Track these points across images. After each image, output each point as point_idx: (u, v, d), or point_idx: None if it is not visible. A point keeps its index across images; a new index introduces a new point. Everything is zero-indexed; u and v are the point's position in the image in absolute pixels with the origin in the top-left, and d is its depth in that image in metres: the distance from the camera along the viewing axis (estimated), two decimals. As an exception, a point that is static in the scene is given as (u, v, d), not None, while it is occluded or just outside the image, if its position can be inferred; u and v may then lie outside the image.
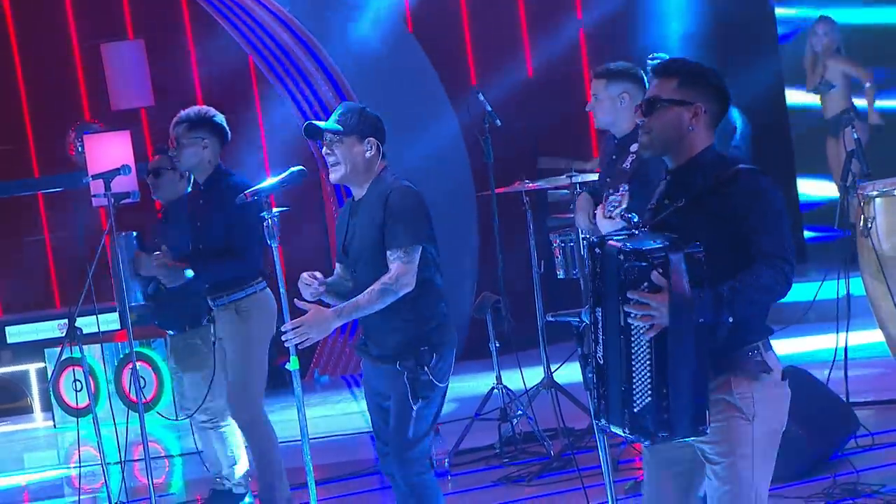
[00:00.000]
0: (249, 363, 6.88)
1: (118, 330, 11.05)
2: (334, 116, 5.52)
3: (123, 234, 7.17)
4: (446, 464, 7.74)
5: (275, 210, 5.54)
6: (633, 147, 6.31)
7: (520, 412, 8.12)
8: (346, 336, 11.76)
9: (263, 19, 11.53)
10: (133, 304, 7.33)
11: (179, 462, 9.25)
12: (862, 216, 7.79)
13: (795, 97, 12.53)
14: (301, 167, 5.74)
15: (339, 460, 8.43)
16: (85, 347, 7.00)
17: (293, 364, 5.54)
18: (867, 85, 11.79)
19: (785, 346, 9.43)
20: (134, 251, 7.46)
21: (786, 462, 6.55)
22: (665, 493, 4.35)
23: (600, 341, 4.17)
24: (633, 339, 4.04)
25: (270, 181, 5.73)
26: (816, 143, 12.23)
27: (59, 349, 8.62)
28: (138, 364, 7.72)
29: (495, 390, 8.22)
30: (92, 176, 7.25)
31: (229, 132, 7.05)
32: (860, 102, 11.93)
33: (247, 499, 7.40)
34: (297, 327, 5.35)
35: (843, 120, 11.17)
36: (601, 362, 4.17)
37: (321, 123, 5.53)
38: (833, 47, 11.97)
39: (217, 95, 11.75)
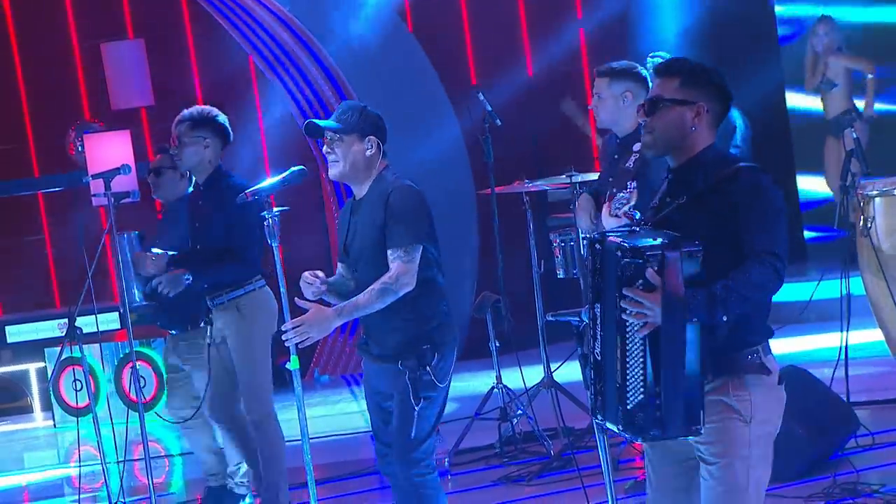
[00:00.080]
0: (255, 361, 6.89)
1: (118, 329, 11.05)
2: (335, 115, 5.53)
3: (126, 234, 7.16)
4: (446, 463, 7.74)
5: (275, 209, 5.54)
6: (636, 146, 6.30)
7: (520, 412, 8.12)
8: (346, 335, 11.76)
9: (263, 18, 11.53)
10: (134, 304, 7.32)
11: (179, 462, 9.24)
12: (861, 216, 7.79)
13: (796, 100, 12.53)
14: (301, 167, 5.74)
15: (338, 460, 8.43)
16: (85, 347, 7.00)
17: (293, 363, 5.54)
18: (869, 76, 11.77)
19: (785, 346, 9.44)
20: (135, 251, 7.45)
21: (786, 461, 6.58)
22: (669, 490, 4.36)
23: (598, 337, 4.19)
24: (627, 335, 4.06)
25: (271, 181, 5.73)
26: (817, 140, 12.23)
27: (59, 349, 8.62)
28: (138, 364, 7.72)
29: (495, 390, 8.22)
30: (92, 175, 7.25)
31: (231, 133, 7.04)
32: (860, 104, 11.92)
33: (247, 499, 7.40)
34: (298, 326, 5.35)
35: (844, 120, 11.16)
36: (598, 358, 4.19)
37: (322, 121, 5.54)
38: (834, 47, 11.97)
39: (217, 95, 11.75)
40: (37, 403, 11.76)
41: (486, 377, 8.66)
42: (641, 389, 4.03)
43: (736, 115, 9.76)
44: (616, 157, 6.51)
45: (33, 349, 11.49)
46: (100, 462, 7.32)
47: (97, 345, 10.21)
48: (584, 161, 9.58)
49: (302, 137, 11.82)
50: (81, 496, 8.22)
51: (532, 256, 8.28)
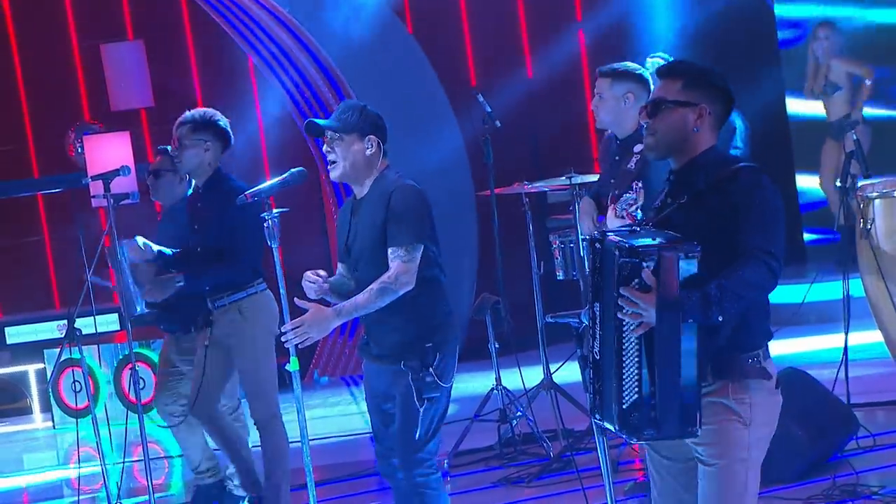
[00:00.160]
0: (259, 362, 6.88)
1: (118, 331, 11.04)
2: (335, 114, 5.53)
3: (124, 242, 7.16)
4: (445, 465, 7.74)
5: (275, 211, 5.54)
6: (637, 148, 6.30)
7: (519, 413, 8.12)
8: (345, 337, 11.76)
9: (262, 18, 11.53)
10: (136, 314, 7.32)
11: (178, 463, 9.24)
12: (861, 218, 7.79)
13: (796, 105, 12.52)
14: (301, 168, 5.74)
15: (338, 461, 8.42)
16: (84, 348, 7.00)
17: (293, 365, 5.54)
18: (867, 82, 11.78)
19: (784, 347, 9.43)
20: (133, 260, 7.42)
21: (786, 463, 6.59)
22: (672, 490, 4.36)
23: (597, 336, 4.20)
24: (623, 335, 4.06)
25: (270, 182, 5.73)
26: (817, 142, 12.22)
27: (58, 350, 8.62)
28: (138, 365, 7.71)
29: (494, 391, 8.22)
30: (91, 177, 7.24)
31: (232, 136, 7.03)
32: (864, 109, 11.90)
33: (245, 502, 7.40)
34: (297, 327, 5.35)
35: (846, 124, 11.17)
36: (597, 357, 4.20)
37: (321, 121, 5.54)
38: (834, 50, 11.96)
39: (217, 96, 11.75)
40: (36, 405, 11.75)
41: (486, 379, 8.66)
42: (636, 389, 4.04)
43: (735, 117, 9.77)
44: (617, 158, 6.50)
45: (33, 350, 11.49)
46: (99, 463, 7.32)
47: (96, 346, 10.19)
48: (583, 162, 9.59)
49: (301, 138, 11.83)
50: (81, 497, 8.21)
51: (531, 258, 8.28)
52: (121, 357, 10.74)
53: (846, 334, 7.67)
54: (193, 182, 7.16)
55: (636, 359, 4.05)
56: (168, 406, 7.47)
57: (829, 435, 6.96)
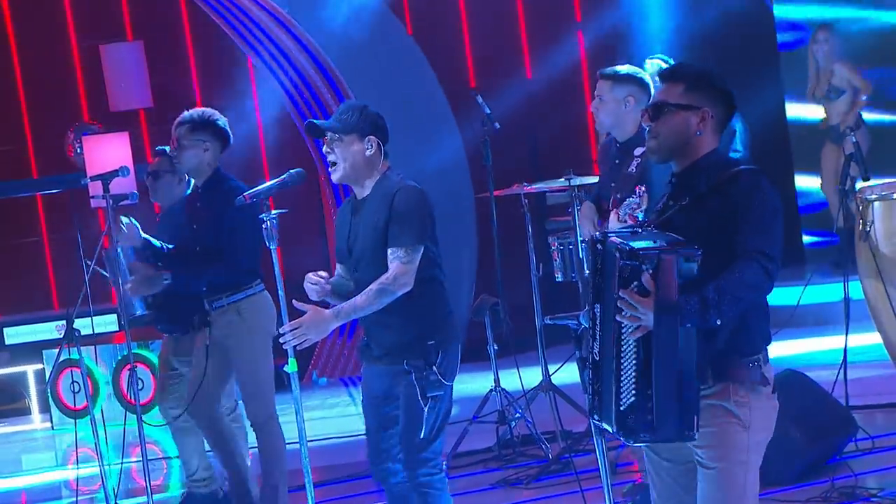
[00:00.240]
0: (257, 364, 6.88)
1: (117, 331, 11.04)
2: (335, 115, 5.53)
3: (122, 219, 7.16)
4: (444, 466, 7.72)
5: (273, 212, 5.53)
6: (638, 151, 6.30)
7: (518, 415, 8.12)
8: (344, 338, 11.75)
9: (261, 20, 11.53)
10: (135, 314, 7.31)
11: (177, 464, 9.23)
12: (860, 220, 7.79)
13: (795, 110, 12.52)
14: (300, 169, 5.74)
15: (336, 462, 8.42)
16: (83, 349, 6.99)
17: (291, 366, 5.54)
18: (863, 98, 11.78)
19: (783, 349, 9.43)
20: (131, 261, 7.41)
21: (784, 465, 6.59)
22: (672, 492, 4.35)
23: (597, 337, 4.20)
24: (622, 337, 4.07)
25: (269, 183, 5.73)
26: (816, 145, 12.22)
27: (57, 350, 8.62)
28: (136, 366, 7.71)
29: (493, 393, 8.22)
30: (90, 177, 7.24)
31: (231, 136, 7.03)
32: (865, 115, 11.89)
33: None
34: (296, 328, 5.35)
35: (846, 127, 11.15)
36: (597, 358, 4.20)
37: (321, 122, 5.53)
38: (835, 53, 11.95)
39: (216, 97, 11.74)
40: (35, 405, 11.75)
41: (485, 380, 8.66)
42: (634, 391, 4.04)
43: (735, 119, 9.77)
44: (617, 161, 6.49)
45: (31, 351, 11.48)
46: (98, 464, 7.31)
47: (96, 346, 10.18)
48: (582, 164, 9.58)
49: (300, 139, 11.83)
50: (79, 498, 8.20)
51: (530, 259, 8.28)
52: (119, 358, 10.74)
53: (846, 336, 7.67)
54: (192, 182, 7.15)
55: (634, 361, 4.05)
56: (171, 409, 7.45)
57: (827, 437, 6.96)
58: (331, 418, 10.09)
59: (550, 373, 8.17)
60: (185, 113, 6.95)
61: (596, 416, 4.24)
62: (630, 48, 11.81)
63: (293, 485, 7.03)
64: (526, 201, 8.27)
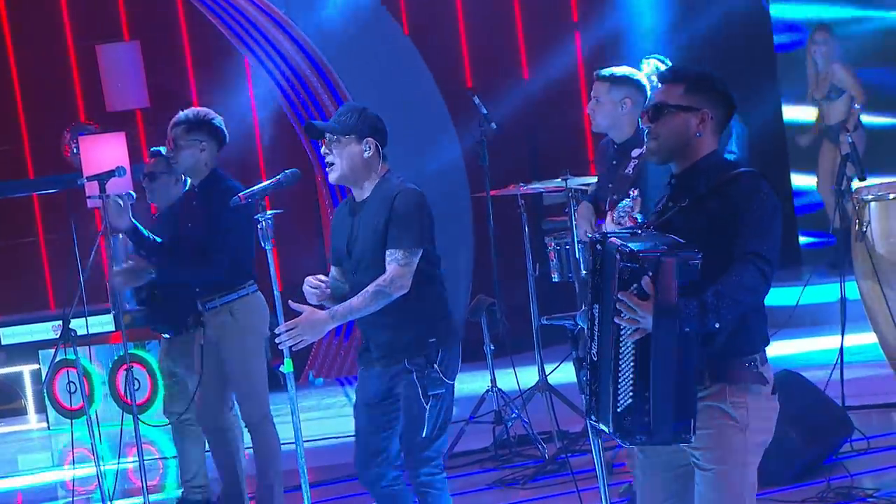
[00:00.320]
0: (250, 364, 6.87)
1: (113, 332, 11.04)
2: (334, 116, 5.54)
3: (119, 236, 7.15)
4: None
5: (268, 212, 5.53)
6: (635, 152, 6.30)
7: (514, 415, 8.12)
8: (340, 338, 11.75)
9: (258, 20, 11.53)
10: (127, 309, 7.31)
11: (173, 464, 9.23)
12: (857, 220, 7.79)
13: (793, 112, 12.51)
14: (294, 169, 5.74)
15: (332, 463, 8.41)
16: (79, 349, 6.99)
17: (287, 366, 5.53)
18: (857, 106, 11.78)
19: (779, 349, 9.43)
20: (128, 254, 7.42)
21: (780, 465, 6.59)
22: (660, 498, 4.35)
23: (595, 338, 4.19)
24: (621, 339, 4.07)
25: (264, 184, 5.73)
26: (814, 147, 12.22)
27: (53, 351, 8.62)
28: (132, 366, 7.70)
29: (490, 393, 8.22)
30: (87, 177, 7.23)
31: (227, 135, 7.02)
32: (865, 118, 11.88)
33: None
34: (291, 329, 5.34)
35: (844, 127, 11.14)
36: (595, 359, 4.20)
37: (320, 123, 5.54)
38: (833, 54, 11.94)
39: (212, 97, 11.74)
40: (31, 405, 11.74)
41: (481, 380, 8.66)
42: (631, 393, 4.04)
43: (732, 121, 9.77)
44: (615, 162, 6.50)
45: (28, 351, 11.48)
46: (94, 464, 7.31)
47: (92, 347, 10.19)
48: (579, 164, 9.59)
49: (297, 139, 11.83)
50: (75, 498, 8.20)
51: (527, 260, 8.28)
52: (116, 358, 10.73)
53: (842, 336, 7.68)
54: (189, 181, 7.14)
55: (632, 363, 4.05)
56: (180, 414, 7.43)
57: (823, 437, 6.96)
58: (327, 419, 10.08)
59: (547, 373, 8.17)
60: (181, 113, 6.94)
61: (593, 417, 4.24)
62: (627, 49, 11.81)
63: (289, 485, 7.03)
64: (522, 201, 8.27)
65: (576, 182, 7.69)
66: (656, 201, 4.42)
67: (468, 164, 11.22)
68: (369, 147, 5.47)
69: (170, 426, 7.60)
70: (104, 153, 10.67)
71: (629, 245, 4.06)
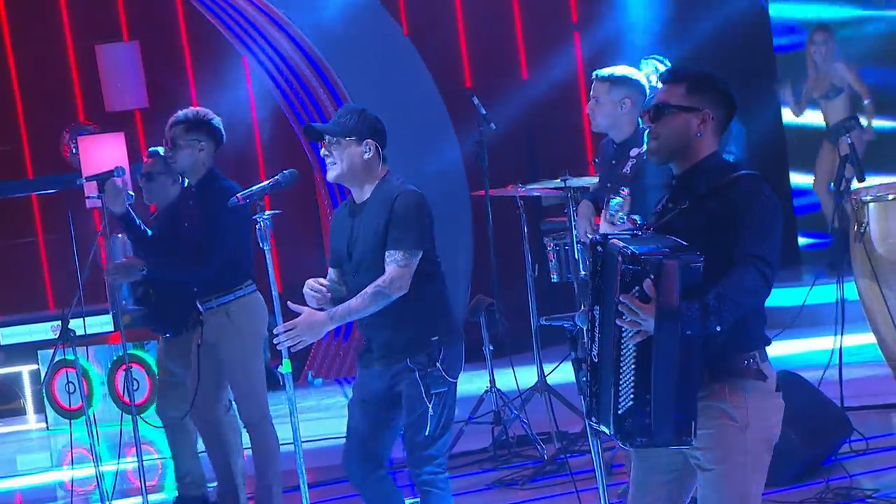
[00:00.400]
0: (247, 365, 6.87)
1: (112, 332, 11.04)
2: (334, 118, 5.54)
3: (116, 236, 7.16)
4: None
5: (266, 213, 5.53)
6: (633, 152, 6.31)
7: (513, 416, 8.12)
8: (339, 339, 11.75)
9: (257, 20, 11.53)
10: (126, 309, 7.32)
11: (172, 465, 9.22)
12: (856, 221, 7.80)
13: (791, 115, 12.51)
14: (293, 170, 5.74)
15: (331, 463, 8.40)
16: (78, 349, 6.99)
17: (285, 367, 5.53)
18: (865, 102, 11.73)
19: (777, 350, 9.42)
20: (126, 255, 7.42)
21: (779, 466, 6.55)
22: (654, 500, 4.35)
23: (596, 339, 4.19)
24: (622, 341, 4.06)
25: (262, 184, 5.73)
26: (813, 147, 12.22)
27: (52, 351, 8.62)
28: (131, 366, 7.70)
29: (488, 393, 8.22)
30: (86, 177, 7.23)
31: (224, 135, 7.02)
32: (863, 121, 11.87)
33: None
34: (290, 330, 5.34)
35: (843, 127, 11.13)
36: (595, 360, 4.19)
37: (320, 125, 5.54)
38: (833, 54, 11.93)
39: (212, 97, 11.74)
40: (30, 405, 11.74)
41: (480, 381, 8.66)
42: (632, 395, 4.04)
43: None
44: (614, 162, 6.52)
45: (26, 351, 11.48)
46: (93, 465, 7.31)
47: (91, 347, 10.19)
48: (578, 165, 9.58)
49: (296, 139, 11.82)
50: (74, 499, 8.19)
51: (526, 260, 8.28)
52: (115, 358, 10.73)
53: (840, 337, 7.68)
54: (186, 181, 7.14)
55: (634, 366, 4.04)
56: (169, 413, 7.44)
57: (822, 438, 6.96)
58: (326, 419, 10.08)
59: (546, 373, 8.17)
60: (180, 113, 6.94)
61: (593, 419, 4.23)
62: (626, 50, 11.81)
63: (288, 485, 7.03)
64: (521, 202, 8.27)
65: (575, 182, 7.70)
66: (656, 202, 4.42)
67: (467, 165, 11.22)
68: (369, 148, 5.47)
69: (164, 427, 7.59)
70: (103, 153, 10.68)
71: (631, 247, 4.05)
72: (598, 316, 4.18)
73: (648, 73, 7.81)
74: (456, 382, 5.50)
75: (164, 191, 7.55)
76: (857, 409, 7.87)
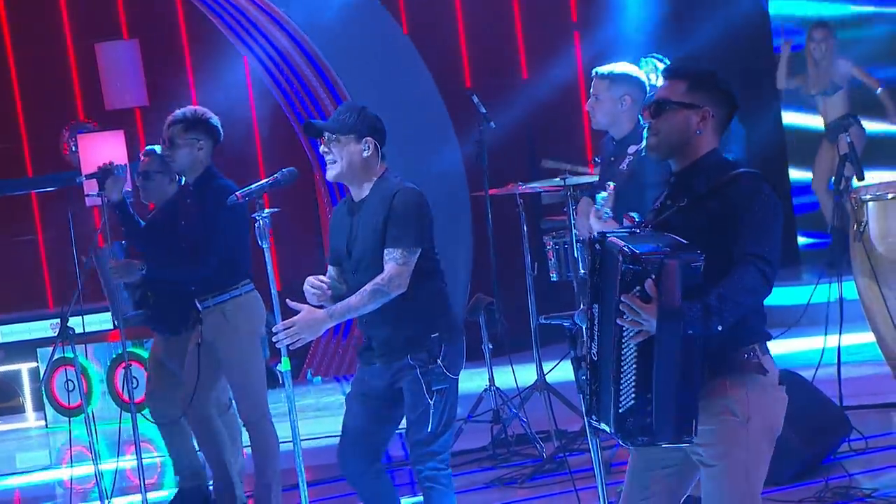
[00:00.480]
0: (245, 364, 6.86)
1: (111, 330, 11.03)
2: (333, 115, 5.55)
3: (120, 243, 7.17)
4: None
5: (265, 211, 5.53)
6: (631, 149, 6.32)
7: (512, 414, 8.12)
8: (339, 337, 11.75)
9: (258, 19, 11.53)
10: (126, 315, 7.31)
11: (171, 462, 9.22)
12: (855, 220, 7.80)
13: (791, 117, 12.51)
14: (292, 168, 5.74)
15: (330, 462, 8.40)
16: (77, 347, 6.99)
17: (284, 365, 5.53)
18: (879, 90, 11.67)
19: (775, 349, 9.42)
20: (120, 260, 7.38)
21: (778, 465, 6.54)
22: (652, 495, 4.34)
23: (595, 338, 4.19)
24: (623, 340, 4.05)
25: (261, 182, 5.72)
26: (812, 148, 12.22)
27: (51, 349, 8.62)
28: (131, 364, 7.70)
29: (488, 392, 8.22)
30: (86, 175, 7.23)
31: (222, 133, 7.02)
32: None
33: None
34: (289, 328, 5.35)
35: (841, 125, 11.12)
36: (595, 359, 4.19)
37: (319, 122, 5.55)
38: (832, 51, 11.92)
39: (211, 95, 11.74)
40: (29, 403, 11.74)
41: (479, 379, 8.66)
42: (633, 395, 4.04)
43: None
44: (612, 159, 6.53)
45: (25, 349, 11.48)
46: (92, 462, 7.31)
47: (90, 345, 10.19)
48: (578, 164, 9.59)
49: (296, 138, 11.83)
50: (73, 497, 8.19)
51: (526, 259, 8.28)
52: (114, 356, 10.73)
53: (839, 336, 7.68)
54: (183, 179, 7.14)
55: (634, 365, 4.04)
56: (160, 408, 7.44)
57: (821, 437, 6.96)
58: (325, 417, 10.08)
59: (545, 372, 8.17)
60: (178, 111, 6.93)
61: (593, 417, 4.23)
62: (626, 49, 11.81)
63: (287, 484, 7.02)
64: (521, 201, 8.27)
65: (574, 181, 7.70)
66: (654, 199, 4.42)
67: (467, 164, 11.22)
68: (368, 146, 5.47)
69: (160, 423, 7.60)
70: (103, 151, 10.66)
71: (631, 246, 4.04)
72: (597, 314, 4.18)
73: (648, 71, 7.81)
74: (457, 379, 5.50)
75: (162, 189, 7.55)
76: (856, 409, 7.87)
